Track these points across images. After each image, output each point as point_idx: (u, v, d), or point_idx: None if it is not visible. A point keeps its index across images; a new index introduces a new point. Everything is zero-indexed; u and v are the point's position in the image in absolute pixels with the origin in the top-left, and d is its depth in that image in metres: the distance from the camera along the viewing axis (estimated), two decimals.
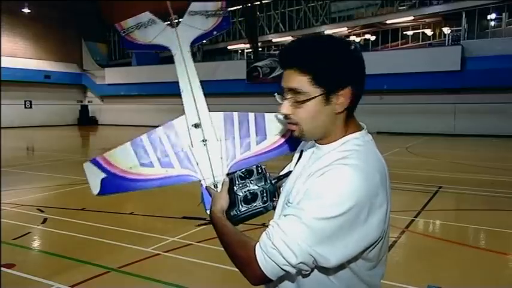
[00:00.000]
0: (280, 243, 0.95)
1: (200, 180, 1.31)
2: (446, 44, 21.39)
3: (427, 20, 22.94)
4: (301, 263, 0.94)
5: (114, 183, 1.28)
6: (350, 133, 1.07)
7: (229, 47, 28.80)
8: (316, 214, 0.93)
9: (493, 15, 21.05)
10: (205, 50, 28.84)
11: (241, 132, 1.37)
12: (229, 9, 26.25)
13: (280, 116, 1.15)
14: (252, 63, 23.95)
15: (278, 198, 1.22)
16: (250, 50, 26.37)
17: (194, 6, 1.62)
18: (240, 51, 29.01)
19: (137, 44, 1.55)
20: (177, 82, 1.44)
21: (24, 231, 4.92)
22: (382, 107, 19.79)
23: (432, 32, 23.35)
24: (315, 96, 1.02)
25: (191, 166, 1.32)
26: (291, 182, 1.15)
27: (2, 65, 18.02)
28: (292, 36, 26.48)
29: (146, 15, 1.58)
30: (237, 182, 1.20)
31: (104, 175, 1.27)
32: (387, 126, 19.45)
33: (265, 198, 1.15)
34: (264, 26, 26.81)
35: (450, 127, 19.52)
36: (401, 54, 20.90)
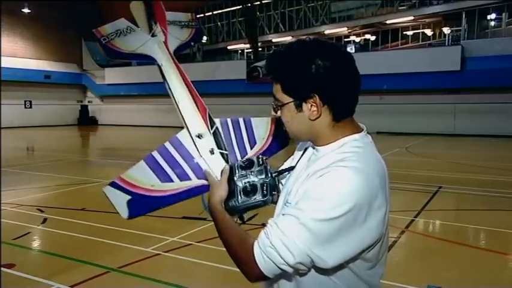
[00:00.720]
0: (278, 243, 0.95)
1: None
2: (446, 44, 21.39)
3: (427, 20, 22.94)
4: (298, 263, 0.95)
5: (142, 204, 1.24)
6: (348, 135, 1.07)
7: (229, 47, 28.80)
8: (315, 215, 0.93)
9: (493, 15, 21.06)
10: (205, 50, 28.85)
11: (237, 139, 1.38)
12: (229, 9, 26.02)
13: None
14: (252, 63, 23.95)
15: (278, 192, 1.22)
16: (250, 50, 26.38)
17: (168, 16, 1.61)
18: (240, 51, 29.00)
19: (120, 52, 1.50)
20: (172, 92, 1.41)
21: (24, 231, 4.92)
22: (382, 107, 19.80)
23: (432, 32, 23.35)
24: (286, 103, 1.08)
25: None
26: (291, 181, 1.15)
27: (2, 65, 18.01)
28: (292, 36, 26.48)
29: (123, 22, 1.53)
30: (237, 172, 1.18)
31: (128, 197, 1.23)
32: (387, 126, 19.46)
33: (265, 192, 1.13)
34: (264, 26, 26.81)
35: (450, 127, 19.52)
36: (401, 54, 20.91)
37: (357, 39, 24.97)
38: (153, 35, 1.52)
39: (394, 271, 3.68)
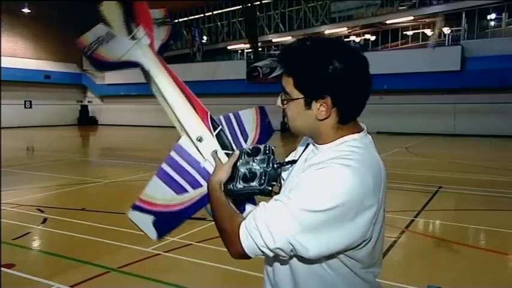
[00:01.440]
0: (262, 225, 0.98)
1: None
2: (446, 44, 21.39)
3: (427, 20, 22.94)
4: (278, 248, 0.97)
5: (166, 221, 1.25)
6: (347, 134, 1.07)
7: (229, 47, 28.81)
8: (304, 205, 0.95)
9: (493, 15, 21.06)
10: (205, 50, 28.84)
11: (232, 135, 1.37)
12: (229, 9, 25.97)
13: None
14: (252, 63, 23.95)
15: (279, 184, 1.24)
16: (250, 50, 26.36)
17: None
18: (240, 51, 29.00)
19: (107, 62, 1.40)
20: (163, 99, 1.35)
21: (24, 231, 4.92)
22: (382, 107, 19.79)
23: (432, 32, 23.34)
24: (296, 99, 1.06)
25: None
26: (291, 175, 1.18)
27: (2, 65, 18.01)
28: (292, 36, 26.48)
29: (102, 28, 1.40)
30: (242, 158, 1.19)
31: (152, 218, 1.24)
32: (387, 126, 19.46)
33: (262, 181, 1.13)
34: (264, 26, 26.80)
35: (450, 127, 19.53)
36: (401, 54, 20.92)
37: (357, 39, 24.96)
38: (133, 38, 1.40)
39: (394, 271, 3.68)
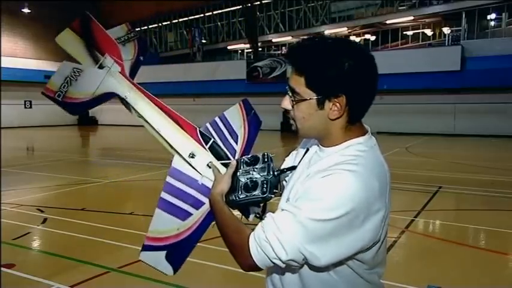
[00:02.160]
0: (273, 237, 0.97)
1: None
2: (446, 44, 21.38)
3: (427, 20, 22.94)
4: (291, 259, 0.97)
5: (177, 252, 1.23)
6: (353, 138, 1.06)
7: (229, 47, 28.81)
8: (312, 215, 0.94)
9: (493, 15, 21.06)
10: (205, 50, 28.85)
11: (222, 139, 1.35)
12: (229, 9, 25.94)
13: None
14: (252, 63, 23.94)
15: (281, 190, 1.23)
16: (250, 50, 26.36)
17: None
18: (240, 51, 29.00)
19: (81, 103, 1.32)
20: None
21: (24, 231, 4.92)
22: (382, 107, 19.76)
23: (432, 32, 23.35)
24: (308, 99, 1.02)
25: None
26: (293, 179, 1.16)
27: (2, 65, 18.02)
28: (292, 36, 26.49)
29: (66, 66, 1.33)
30: (241, 168, 1.19)
31: (164, 253, 1.21)
32: (387, 126, 19.44)
33: (264, 189, 1.14)
34: (264, 26, 26.80)
35: (450, 127, 19.52)
36: (402, 54, 20.91)
37: (357, 39, 24.95)
38: (100, 67, 1.32)
39: (394, 271, 3.68)
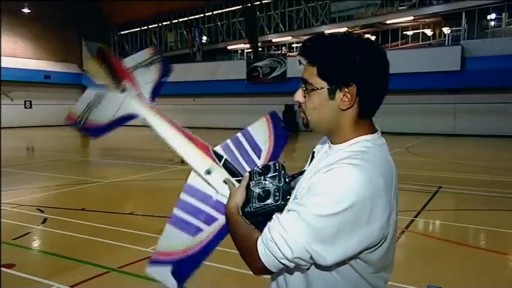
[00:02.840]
0: (278, 237, 0.97)
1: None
2: (446, 44, 21.38)
3: (427, 20, 22.94)
4: (297, 258, 0.96)
5: (185, 267, 1.25)
6: (361, 135, 1.06)
7: (229, 47, 28.80)
8: (316, 211, 0.94)
9: (493, 15, 21.05)
10: (205, 50, 28.85)
11: (244, 155, 1.37)
12: (229, 9, 25.88)
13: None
14: (252, 63, 23.95)
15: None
16: (250, 50, 26.36)
17: (128, 62, 1.46)
18: (240, 51, 28.99)
19: (102, 127, 1.39)
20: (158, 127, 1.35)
21: (24, 231, 4.92)
22: (382, 107, 19.35)
23: (432, 32, 23.35)
24: (319, 88, 1.04)
25: None
26: (301, 179, 1.17)
27: (2, 65, 18.02)
28: (292, 36, 26.48)
29: (89, 93, 1.41)
30: (254, 178, 1.20)
31: (169, 267, 1.23)
32: (387, 126, 19.35)
33: (277, 197, 1.15)
34: (264, 26, 26.79)
35: (450, 127, 19.52)
36: (402, 54, 20.88)
37: None
38: (122, 91, 1.41)
39: (394, 271, 3.67)
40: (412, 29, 23.67)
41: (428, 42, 22.98)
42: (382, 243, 1.02)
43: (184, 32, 30.08)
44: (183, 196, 1.30)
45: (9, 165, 9.73)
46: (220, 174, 1.31)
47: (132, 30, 32.99)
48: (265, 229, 1.02)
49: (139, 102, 1.40)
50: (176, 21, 30.82)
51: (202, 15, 29.61)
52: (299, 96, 1.10)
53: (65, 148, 15.18)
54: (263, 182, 1.18)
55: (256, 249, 1.02)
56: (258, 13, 26.39)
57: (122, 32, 33.54)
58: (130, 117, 1.40)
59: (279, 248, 0.97)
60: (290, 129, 1.32)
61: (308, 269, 1.03)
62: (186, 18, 30.23)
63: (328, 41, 1.06)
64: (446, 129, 19.38)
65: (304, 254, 0.95)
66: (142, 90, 1.42)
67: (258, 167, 1.24)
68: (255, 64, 23.66)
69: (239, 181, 1.28)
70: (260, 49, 26.35)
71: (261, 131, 1.42)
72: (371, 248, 0.99)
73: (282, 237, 0.96)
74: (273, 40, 27.13)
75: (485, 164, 10.51)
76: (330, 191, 0.95)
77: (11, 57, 25.63)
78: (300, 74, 1.11)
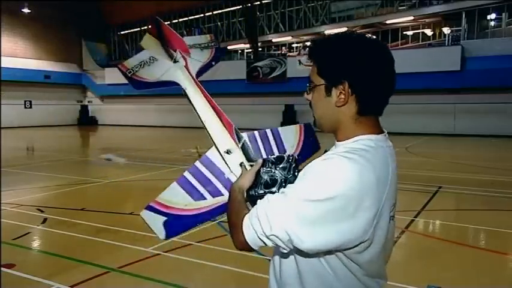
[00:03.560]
0: (262, 213, 1.00)
1: None
2: (446, 44, 21.38)
3: (427, 20, 22.94)
4: (274, 235, 0.98)
5: (177, 223, 1.31)
6: (364, 133, 1.07)
7: (229, 47, 28.79)
8: (302, 195, 0.96)
9: (493, 15, 21.05)
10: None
11: (267, 150, 1.42)
12: (229, 9, 25.94)
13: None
14: (252, 63, 23.96)
15: None
16: (250, 50, 26.37)
17: (187, 40, 1.64)
18: (240, 51, 29.00)
19: (146, 82, 1.56)
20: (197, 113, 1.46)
21: (24, 231, 4.92)
22: None
23: (432, 32, 23.35)
24: (318, 85, 1.10)
25: None
26: None
27: (2, 65, 18.02)
28: (292, 36, 26.48)
29: (145, 54, 1.58)
30: (266, 166, 1.25)
31: (164, 218, 1.30)
32: (387, 126, 19.02)
33: (282, 187, 1.17)
34: (264, 26, 26.79)
35: (450, 127, 19.52)
36: (402, 54, 20.88)
37: None
38: (174, 61, 1.56)
39: (394, 271, 3.67)
40: (412, 29, 23.67)
41: (428, 42, 22.98)
42: (369, 245, 1.00)
43: (184, 32, 30.09)
44: (198, 164, 1.36)
45: (9, 165, 9.73)
46: (238, 156, 1.37)
47: (132, 30, 32.99)
48: (254, 206, 1.05)
49: (184, 74, 1.53)
50: (176, 21, 30.83)
51: (202, 15, 29.63)
52: (305, 94, 1.15)
53: (65, 148, 15.19)
54: (273, 170, 1.23)
55: (241, 224, 1.05)
56: (258, 13, 26.40)
57: (122, 32, 33.55)
58: (172, 83, 1.53)
59: (260, 224, 0.99)
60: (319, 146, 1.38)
61: (289, 254, 1.07)
62: (186, 18, 30.24)
63: (328, 41, 1.10)
64: (446, 129, 19.38)
65: (282, 233, 0.96)
66: (190, 65, 1.56)
67: (272, 156, 1.28)
68: (255, 64, 23.66)
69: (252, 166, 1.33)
70: (260, 49, 26.36)
71: (290, 136, 1.48)
72: (354, 247, 0.99)
73: (266, 214, 0.99)
74: (273, 40, 27.13)
75: (485, 164, 10.52)
76: (318, 178, 0.96)
77: (11, 57, 25.65)
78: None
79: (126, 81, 1.57)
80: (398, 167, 1.11)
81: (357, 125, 1.07)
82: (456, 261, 4.15)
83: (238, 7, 26.99)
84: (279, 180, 1.19)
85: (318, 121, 1.15)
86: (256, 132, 1.43)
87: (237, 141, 1.39)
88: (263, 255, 3.41)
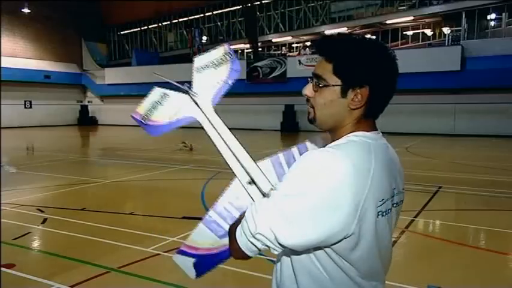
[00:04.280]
0: (249, 214, 1.01)
1: None
2: (446, 44, 21.38)
3: (427, 20, 22.95)
4: (260, 234, 0.97)
5: (205, 263, 1.35)
6: (359, 131, 1.07)
7: None
8: (283, 191, 0.98)
9: (493, 15, 21.07)
10: (205, 50, 28.78)
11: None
12: (229, 9, 25.84)
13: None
14: (252, 63, 23.96)
15: None
16: (250, 50, 26.38)
17: (199, 61, 1.45)
18: (240, 51, 29.01)
19: (162, 125, 1.44)
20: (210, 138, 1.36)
21: (24, 231, 4.92)
22: None
23: (432, 32, 23.36)
24: (333, 85, 1.06)
25: None
26: None
27: (2, 65, 18.02)
28: (292, 36, 26.50)
29: (156, 92, 1.47)
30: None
31: (193, 260, 1.34)
32: (387, 126, 19.41)
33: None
34: (264, 26, 26.81)
35: (450, 127, 19.52)
36: (401, 54, 20.76)
37: None
38: (186, 92, 1.43)
39: (394, 271, 3.67)
40: (412, 29, 23.69)
41: (428, 42, 23.00)
42: (358, 240, 0.99)
43: (184, 32, 30.10)
44: (221, 200, 1.33)
45: (9, 165, 9.73)
46: (262, 186, 1.31)
47: (132, 30, 33.00)
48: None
49: (198, 107, 1.41)
50: (176, 21, 30.84)
51: (202, 15, 29.64)
52: (308, 90, 1.11)
53: (65, 148, 15.18)
54: None
55: (235, 230, 1.06)
56: (258, 13, 26.41)
57: (122, 32, 33.55)
58: (191, 118, 1.42)
59: (248, 225, 0.99)
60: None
61: (282, 254, 1.07)
62: (186, 18, 30.25)
63: (347, 41, 1.08)
64: (446, 129, 19.38)
65: (267, 231, 0.96)
66: (205, 93, 1.42)
67: None
68: (255, 64, 23.67)
69: None
70: (260, 49, 26.37)
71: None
72: (339, 242, 0.97)
73: (252, 215, 0.99)
74: (273, 40, 27.15)
75: (485, 164, 10.51)
76: (298, 173, 0.98)
77: (11, 57, 25.65)
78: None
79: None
80: None
81: (356, 126, 1.08)
82: (456, 261, 4.15)
83: (238, 7, 27.00)
84: None
85: (319, 119, 1.10)
86: (280, 155, 1.34)
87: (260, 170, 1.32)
88: (263, 255, 3.41)
